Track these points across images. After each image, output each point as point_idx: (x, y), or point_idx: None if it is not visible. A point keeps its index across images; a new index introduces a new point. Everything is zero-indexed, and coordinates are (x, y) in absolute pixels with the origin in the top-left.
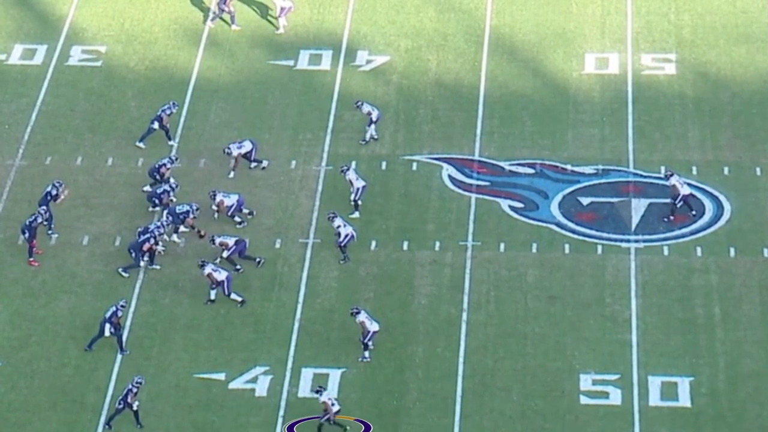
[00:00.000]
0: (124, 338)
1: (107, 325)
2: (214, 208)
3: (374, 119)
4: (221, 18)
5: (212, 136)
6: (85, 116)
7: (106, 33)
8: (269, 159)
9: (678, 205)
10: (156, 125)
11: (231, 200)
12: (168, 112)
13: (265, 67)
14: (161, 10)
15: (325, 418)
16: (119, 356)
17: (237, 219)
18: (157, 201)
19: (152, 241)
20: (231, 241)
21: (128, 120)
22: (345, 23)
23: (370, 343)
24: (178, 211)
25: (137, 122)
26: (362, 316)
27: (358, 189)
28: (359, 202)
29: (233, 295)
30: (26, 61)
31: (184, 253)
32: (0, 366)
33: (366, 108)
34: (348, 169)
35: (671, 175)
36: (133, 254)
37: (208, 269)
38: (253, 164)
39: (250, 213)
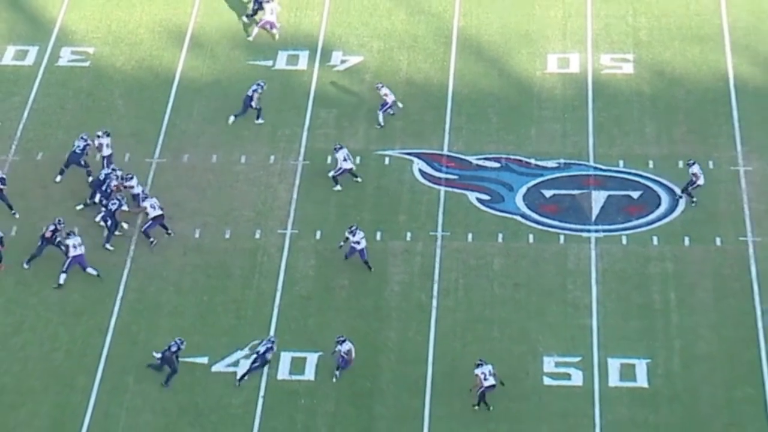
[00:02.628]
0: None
1: (161, 355)
2: (125, 185)
3: (388, 102)
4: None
5: (195, 133)
6: (74, 114)
7: (94, 35)
8: (249, 154)
9: (692, 189)
10: (253, 103)
11: (137, 190)
12: (259, 91)
13: (245, 67)
14: (146, 12)
15: (478, 389)
16: (108, 340)
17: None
18: (105, 188)
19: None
20: (153, 213)
21: (116, 117)
22: (320, 25)
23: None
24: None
25: (124, 119)
26: (346, 346)
27: (341, 169)
28: (338, 179)
29: (89, 269)
30: (18, 62)
31: (168, 245)
32: None
33: (383, 90)
34: (341, 149)
35: (693, 164)
36: (109, 222)
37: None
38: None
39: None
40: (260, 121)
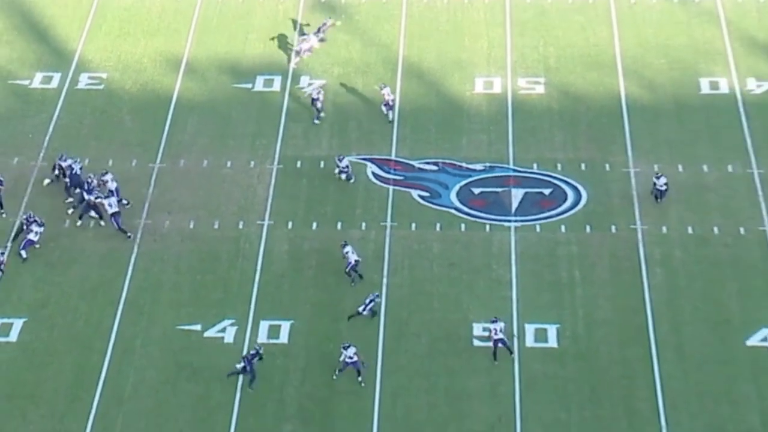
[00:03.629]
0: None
1: (245, 362)
2: (99, 181)
3: (388, 102)
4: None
5: (189, 143)
6: (90, 128)
7: (107, 63)
8: (233, 160)
9: (662, 192)
10: (319, 104)
11: (113, 185)
12: (321, 93)
13: (230, 89)
14: (149, 45)
15: (492, 342)
16: (119, 311)
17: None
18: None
19: (93, 196)
20: (111, 209)
21: (124, 131)
22: (291, 54)
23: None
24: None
25: (132, 132)
26: (352, 350)
27: (349, 169)
28: (351, 176)
29: (23, 251)
30: (45, 85)
31: (168, 233)
32: (26, 321)
33: (384, 90)
34: (344, 157)
35: (660, 176)
36: (83, 206)
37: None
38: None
39: (128, 203)
40: (317, 120)
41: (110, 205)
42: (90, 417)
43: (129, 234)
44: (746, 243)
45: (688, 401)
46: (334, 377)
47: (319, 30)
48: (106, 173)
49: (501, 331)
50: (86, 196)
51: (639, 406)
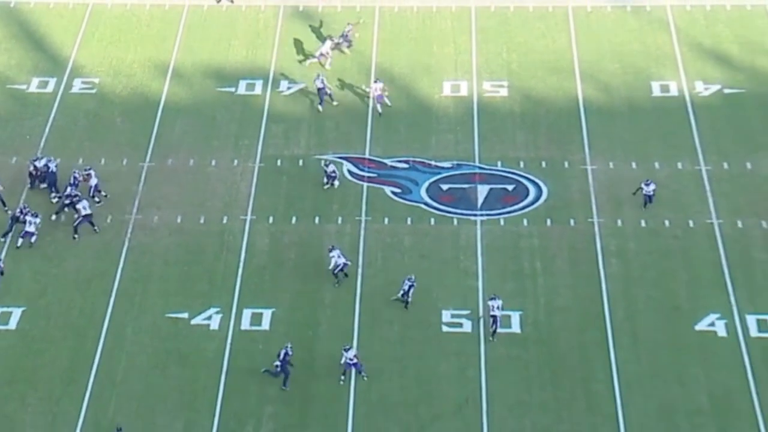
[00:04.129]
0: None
1: (280, 363)
2: (84, 176)
3: (381, 98)
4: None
5: (176, 143)
6: (84, 129)
7: (99, 69)
8: (218, 159)
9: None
10: (328, 91)
11: (94, 181)
12: (324, 81)
13: (214, 92)
14: (139, 52)
15: (490, 317)
16: (112, 301)
17: (96, 198)
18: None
19: (73, 194)
20: (84, 211)
21: (116, 132)
22: (272, 60)
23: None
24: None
25: (122, 133)
26: (352, 352)
27: (335, 174)
28: (334, 182)
29: (22, 238)
30: (41, 90)
31: (157, 227)
32: (24, 310)
33: (377, 85)
34: (330, 163)
35: (650, 183)
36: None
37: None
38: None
39: (106, 195)
40: (321, 106)
41: (84, 207)
42: (85, 400)
43: (94, 229)
44: (695, 235)
45: (642, 383)
46: (341, 382)
47: (342, 35)
48: (90, 169)
49: (497, 308)
50: (68, 190)
51: (596, 388)
